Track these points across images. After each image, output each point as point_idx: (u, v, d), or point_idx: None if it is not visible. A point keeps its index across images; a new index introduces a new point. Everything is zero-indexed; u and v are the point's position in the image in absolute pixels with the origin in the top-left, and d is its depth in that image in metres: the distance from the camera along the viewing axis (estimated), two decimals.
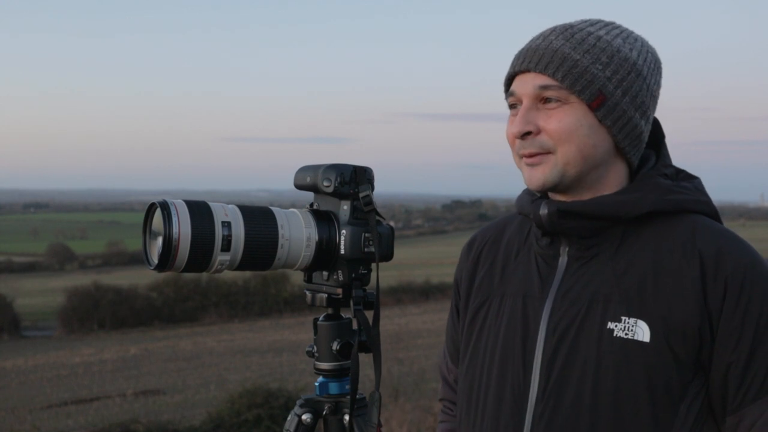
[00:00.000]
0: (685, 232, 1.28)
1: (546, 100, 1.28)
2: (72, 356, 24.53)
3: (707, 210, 1.33)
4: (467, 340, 1.47)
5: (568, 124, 1.27)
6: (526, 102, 1.30)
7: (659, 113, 1.40)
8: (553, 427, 1.27)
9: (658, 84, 1.33)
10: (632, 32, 1.33)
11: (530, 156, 1.30)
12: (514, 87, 1.33)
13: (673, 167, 1.38)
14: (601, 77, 1.26)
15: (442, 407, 1.66)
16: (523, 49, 1.33)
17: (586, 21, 1.33)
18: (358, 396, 1.37)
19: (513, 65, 1.33)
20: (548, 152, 1.29)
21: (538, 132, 1.28)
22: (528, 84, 1.29)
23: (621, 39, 1.30)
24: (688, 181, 1.37)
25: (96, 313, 33.06)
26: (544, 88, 1.27)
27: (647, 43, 1.34)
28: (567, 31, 1.30)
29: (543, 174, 1.29)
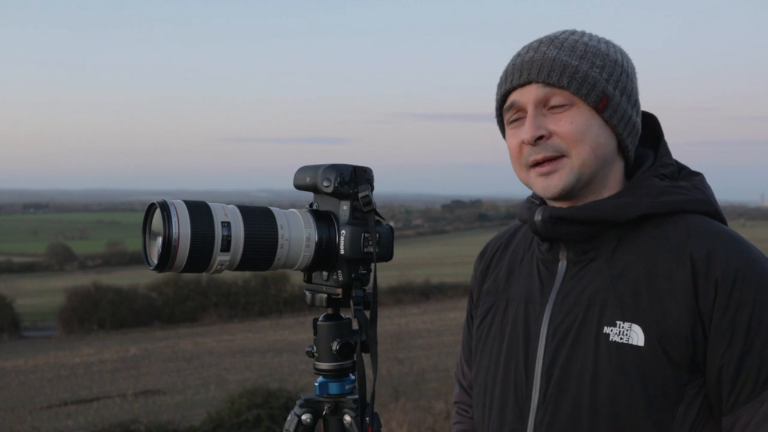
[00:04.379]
0: (679, 235, 1.28)
1: (552, 107, 1.30)
2: (72, 356, 24.51)
3: (705, 209, 1.32)
4: (476, 345, 1.50)
5: (580, 125, 1.29)
6: (531, 109, 1.31)
7: (657, 112, 1.42)
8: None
9: (636, 82, 1.38)
10: (605, 38, 1.38)
11: (543, 164, 1.31)
12: (514, 99, 1.33)
13: (673, 165, 1.39)
14: (601, 80, 1.29)
15: (457, 409, 1.68)
16: (515, 64, 1.34)
17: (565, 32, 1.36)
18: (355, 396, 1.37)
19: (508, 81, 1.34)
20: (562, 156, 1.30)
21: (550, 136, 1.30)
22: (530, 93, 1.31)
23: (603, 44, 1.34)
24: (688, 179, 1.37)
25: (96, 313, 33.03)
26: (549, 94, 1.29)
27: (619, 46, 1.39)
28: (555, 41, 1.32)
29: (561, 180, 1.30)
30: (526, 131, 1.30)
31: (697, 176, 1.38)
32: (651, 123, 1.42)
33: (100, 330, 32.55)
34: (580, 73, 1.28)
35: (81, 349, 26.57)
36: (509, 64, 1.36)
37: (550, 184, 1.31)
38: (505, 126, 1.39)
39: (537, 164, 1.32)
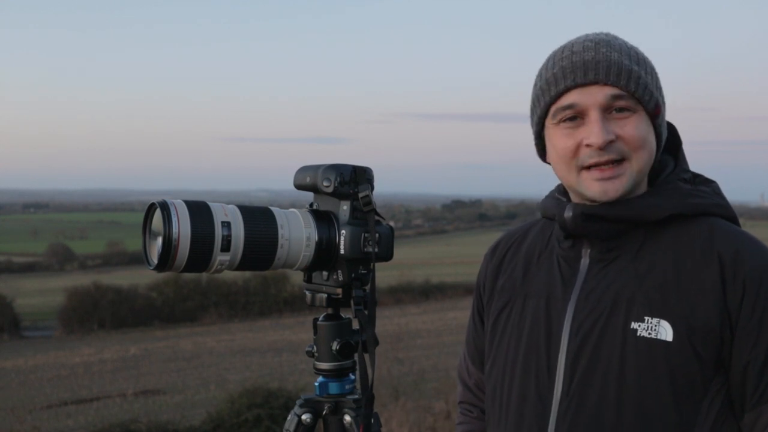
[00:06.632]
0: (704, 234, 1.30)
1: (616, 110, 1.30)
2: (72, 356, 24.49)
3: (725, 213, 1.36)
4: (491, 342, 1.50)
5: (643, 131, 1.31)
6: (596, 112, 1.29)
7: (670, 117, 1.43)
8: (578, 425, 1.29)
9: None
10: None
11: (602, 168, 1.30)
12: (575, 99, 1.30)
13: (691, 172, 1.42)
14: (654, 87, 1.32)
15: (461, 410, 1.68)
16: (574, 62, 1.29)
17: (601, 33, 1.35)
18: (355, 396, 1.37)
19: (569, 78, 1.29)
20: (623, 160, 1.30)
21: (615, 140, 1.30)
22: (597, 94, 1.28)
23: (641, 49, 1.35)
24: (706, 185, 1.40)
25: (96, 313, 33.01)
26: (617, 97, 1.29)
27: None
28: (611, 44, 1.31)
29: (621, 184, 1.31)
30: (596, 135, 1.27)
31: (713, 183, 1.41)
32: (670, 130, 1.43)
33: (100, 330, 32.52)
34: (642, 80, 1.30)
35: (81, 348, 26.54)
36: (563, 62, 1.31)
37: (610, 188, 1.30)
38: (549, 125, 1.36)
39: (594, 167, 1.30)
